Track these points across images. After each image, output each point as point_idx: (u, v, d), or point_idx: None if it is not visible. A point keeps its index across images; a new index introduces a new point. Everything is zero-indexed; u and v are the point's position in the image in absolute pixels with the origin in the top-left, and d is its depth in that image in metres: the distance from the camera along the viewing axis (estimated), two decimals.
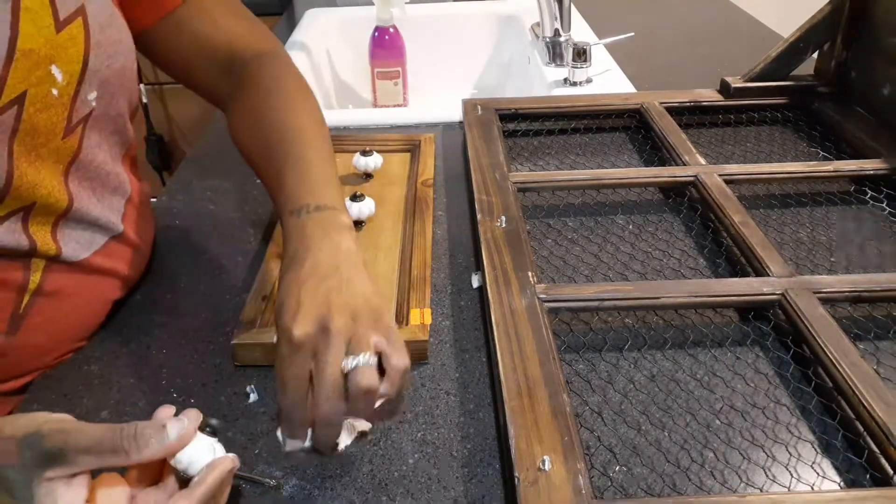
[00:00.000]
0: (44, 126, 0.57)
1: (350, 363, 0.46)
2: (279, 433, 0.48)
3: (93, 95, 0.61)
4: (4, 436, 0.42)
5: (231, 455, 0.46)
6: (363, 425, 0.49)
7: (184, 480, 0.45)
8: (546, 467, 0.48)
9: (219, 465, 0.45)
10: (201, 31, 0.71)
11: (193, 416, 0.45)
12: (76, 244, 0.64)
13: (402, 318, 0.66)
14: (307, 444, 0.48)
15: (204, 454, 0.45)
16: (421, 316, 0.65)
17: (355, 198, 0.79)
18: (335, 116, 1.11)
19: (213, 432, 0.47)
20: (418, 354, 0.63)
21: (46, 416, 0.43)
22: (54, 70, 0.56)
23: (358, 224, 0.81)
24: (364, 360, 0.46)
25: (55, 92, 0.57)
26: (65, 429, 0.42)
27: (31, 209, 0.58)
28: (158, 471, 0.46)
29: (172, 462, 0.44)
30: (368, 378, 0.46)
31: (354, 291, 0.49)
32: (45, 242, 0.61)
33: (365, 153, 0.89)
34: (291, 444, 0.48)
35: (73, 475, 0.41)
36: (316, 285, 0.49)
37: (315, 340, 0.46)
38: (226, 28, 0.72)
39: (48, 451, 0.41)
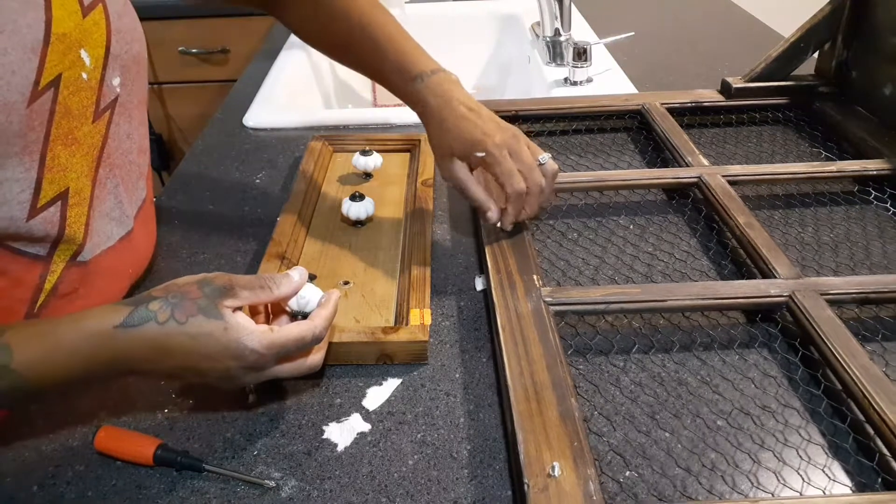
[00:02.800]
0: (76, 109, 0.60)
1: (543, 158, 0.70)
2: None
3: (117, 81, 0.64)
4: (181, 281, 0.54)
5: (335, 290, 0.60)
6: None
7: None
8: (556, 473, 0.48)
9: (333, 295, 0.59)
10: None
11: (302, 269, 0.58)
12: (98, 237, 0.65)
13: (401, 318, 0.66)
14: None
15: (315, 294, 0.58)
16: (421, 316, 0.64)
17: (355, 198, 0.78)
18: (335, 116, 1.10)
19: (312, 278, 0.60)
20: (418, 355, 0.63)
21: (205, 273, 0.55)
22: (83, 54, 0.59)
23: (358, 224, 0.80)
24: (546, 157, 0.70)
25: (84, 76, 0.60)
26: (226, 273, 0.55)
27: (66, 195, 0.60)
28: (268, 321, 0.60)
29: (292, 306, 0.58)
30: (553, 164, 0.71)
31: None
32: (77, 231, 0.62)
33: (365, 153, 0.88)
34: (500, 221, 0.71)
35: (237, 309, 0.53)
36: (479, 115, 0.70)
37: (510, 143, 0.69)
38: None
39: (221, 286, 0.53)
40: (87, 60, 0.60)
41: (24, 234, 0.58)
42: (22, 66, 0.54)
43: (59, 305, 0.62)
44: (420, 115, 0.73)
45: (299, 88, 1.27)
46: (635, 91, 1.11)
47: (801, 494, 0.50)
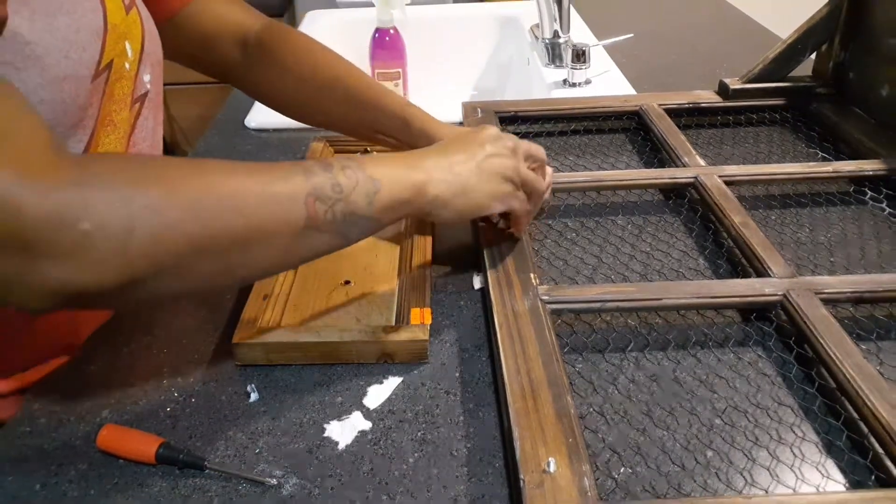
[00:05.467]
0: (118, 94, 0.64)
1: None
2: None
3: (147, 77, 0.69)
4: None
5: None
6: None
7: None
8: (551, 469, 0.48)
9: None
10: (214, 19, 0.80)
11: None
12: None
13: (402, 317, 0.66)
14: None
15: None
16: (421, 316, 0.65)
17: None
18: None
19: None
20: (418, 354, 0.63)
21: None
22: (127, 46, 0.64)
23: None
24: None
25: (127, 66, 0.64)
26: None
27: None
28: None
29: None
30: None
31: None
32: None
33: (365, 153, 0.88)
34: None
35: None
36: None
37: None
38: (228, 11, 0.81)
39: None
40: (129, 52, 0.64)
41: None
42: (89, 45, 0.58)
43: None
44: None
45: None
46: (633, 92, 1.11)
47: (794, 491, 0.50)
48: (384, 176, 0.56)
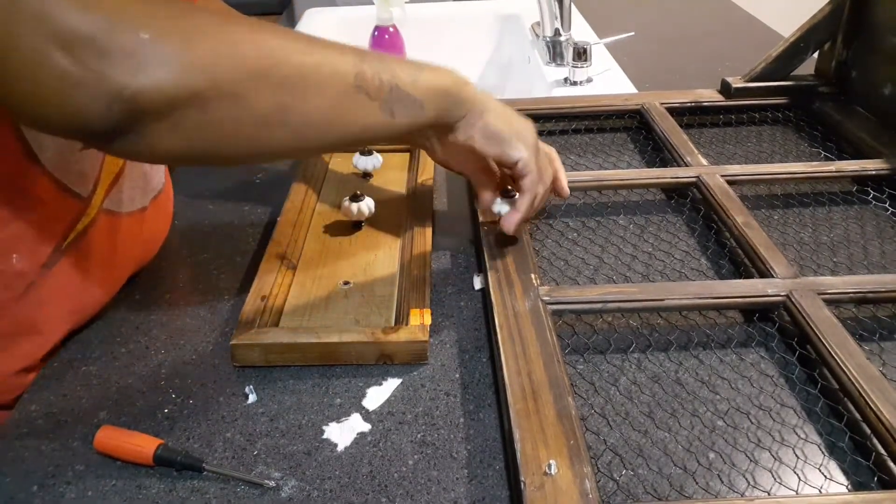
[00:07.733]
0: None
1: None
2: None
3: None
4: None
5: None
6: None
7: None
8: (552, 471, 0.48)
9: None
10: None
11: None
12: (124, 193, 0.69)
13: (401, 318, 0.66)
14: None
15: None
16: (420, 316, 0.64)
17: (355, 198, 0.78)
18: None
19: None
20: (418, 355, 0.63)
21: None
22: None
23: (357, 224, 0.80)
24: None
25: None
26: None
27: None
28: None
29: None
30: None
31: None
32: (112, 170, 0.66)
33: (365, 153, 0.88)
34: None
35: None
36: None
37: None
38: None
39: None
40: None
41: (75, 164, 0.61)
42: None
43: (84, 253, 0.65)
44: None
45: None
46: (635, 91, 1.11)
47: (797, 493, 0.50)
48: (428, 66, 0.59)
